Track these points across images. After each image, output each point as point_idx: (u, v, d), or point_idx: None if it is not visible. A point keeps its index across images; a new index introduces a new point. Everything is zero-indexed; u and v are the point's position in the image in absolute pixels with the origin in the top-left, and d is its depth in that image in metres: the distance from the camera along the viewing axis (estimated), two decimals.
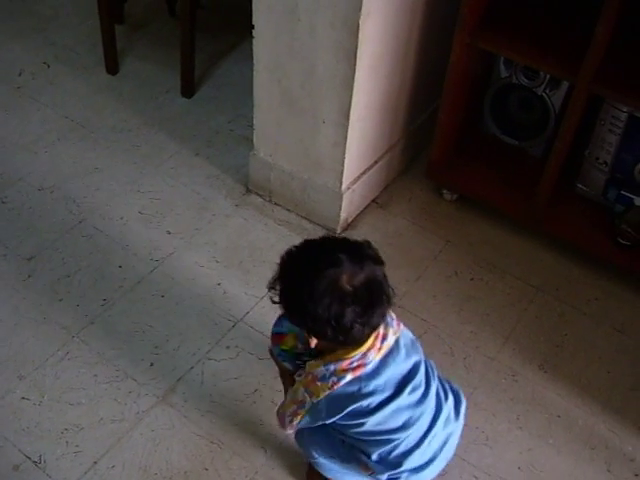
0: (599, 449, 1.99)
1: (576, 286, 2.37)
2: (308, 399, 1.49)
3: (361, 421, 1.50)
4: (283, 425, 1.61)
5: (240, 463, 1.89)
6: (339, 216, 2.39)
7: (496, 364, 2.14)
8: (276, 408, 1.66)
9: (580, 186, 2.47)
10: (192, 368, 2.06)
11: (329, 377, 1.45)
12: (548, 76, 2.33)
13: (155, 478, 1.85)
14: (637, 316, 2.31)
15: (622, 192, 2.38)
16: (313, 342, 1.49)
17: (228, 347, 2.11)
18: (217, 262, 2.33)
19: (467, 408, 1.71)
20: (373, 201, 2.55)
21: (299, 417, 1.54)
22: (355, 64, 2.01)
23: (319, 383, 1.46)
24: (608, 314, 2.30)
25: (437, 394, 1.60)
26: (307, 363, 1.52)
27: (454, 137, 2.51)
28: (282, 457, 1.91)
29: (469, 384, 2.06)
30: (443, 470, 1.69)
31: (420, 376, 1.54)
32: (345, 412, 1.47)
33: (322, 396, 1.47)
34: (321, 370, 1.47)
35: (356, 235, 2.43)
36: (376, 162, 2.45)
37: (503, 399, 2.07)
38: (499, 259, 2.41)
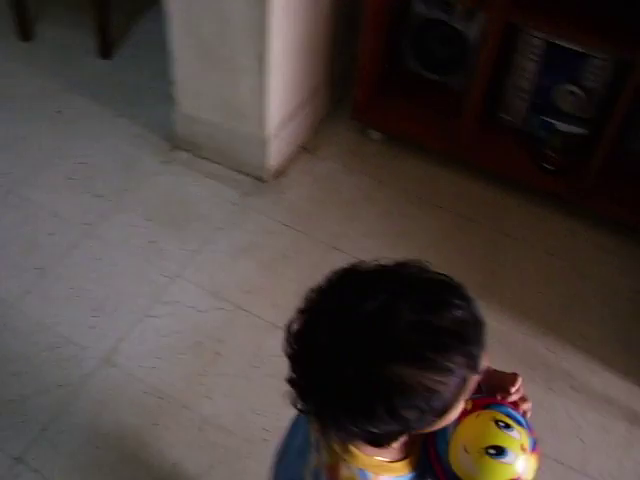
0: (539, 369, 2.06)
1: (506, 214, 2.42)
2: None
3: None
4: None
5: (188, 415, 1.91)
6: (267, 164, 2.39)
7: None
8: None
9: (503, 116, 2.51)
10: (133, 327, 2.06)
11: None
12: (463, 8, 2.35)
13: (106, 439, 1.86)
14: (566, 239, 2.38)
15: (544, 118, 2.42)
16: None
17: (167, 303, 2.12)
18: (149, 221, 2.31)
19: None
20: (301, 147, 2.55)
21: None
22: (267, 8, 2.00)
23: None
24: (539, 239, 2.36)
25: None
26: None
27: (376, 76, 2.52)
28: (228, 405, 1.93)
29: None
30: None
31: None
32: None
33: None
34: None
35: (287, 181, 2.44)
36: (300, 107, 2.45)
37: None
38: (429, 194, 2.45)
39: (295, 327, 0.89)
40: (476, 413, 0.97)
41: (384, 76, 2.57)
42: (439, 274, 0.89)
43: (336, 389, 0.83)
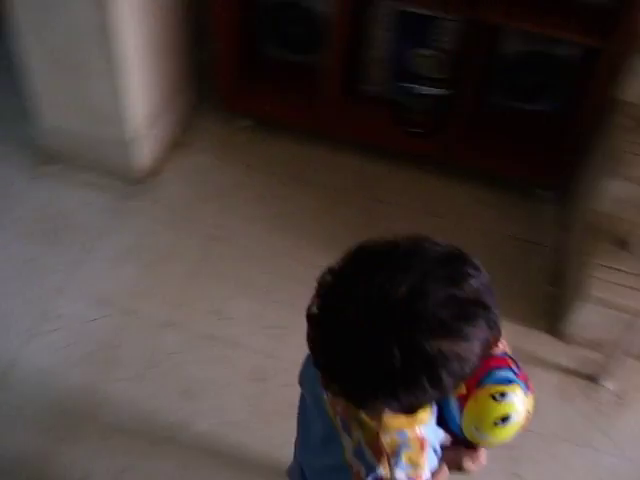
0: None
1: (378, 182, 2.49)
2: None
3: None
4: None
5: (90, 426, 1.90)
6: (138, 165, 2.38)
7: (319, 271, 2.21)
8: None
9: (366, 87, 2.57)
10: (22, 347, 2.03)
11: None
12: None
13: (11, 463, 1.84)
14: (443, 197, 2.45)
15: (404, 84, 2.48)
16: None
17: (54, 318, 2.09)
18: (26, 239, 2.27)
19: None
20: (174, 144, 2.55)
21: None
22: (111, 11, 1.99)
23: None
24: (416, 201, 2.43)
25: None
26: None
27: (237, 65, 2.53)
28: (129, 409, 1.93)
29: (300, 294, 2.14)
30: None
31: None
32: None
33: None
34: None
35: (162, 179, 2.44)
36: (165, 105, 2.44)
37: None
38: (303, 173, 2.49)
39: (317, 312, 0.92)
40: (474, 397, 1.06)
41: (246, 64, 2.58)
42: (450, 246, 0.94)
43: (381, 369, 0.86)
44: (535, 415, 1.12)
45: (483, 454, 1.17)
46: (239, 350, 2.04)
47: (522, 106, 2.56)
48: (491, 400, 1.06)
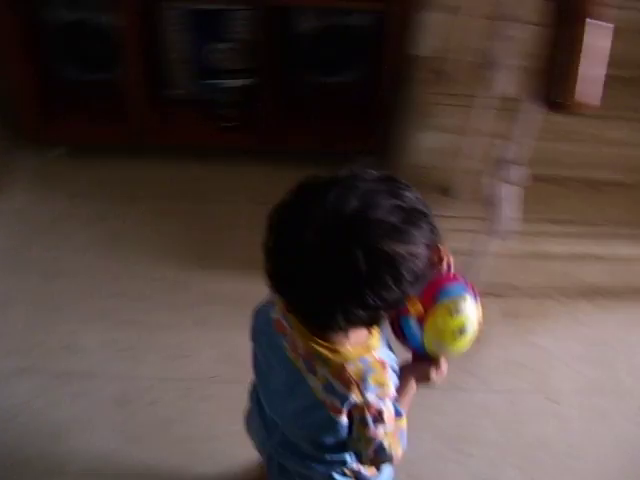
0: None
1: (209, 182, 2.48)
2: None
3: None
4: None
5: None
6: None
7: (160, 283, 2.20)
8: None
9: (173, 91, 2.55)
10: None
11: None
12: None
13: None
14: (269, 185, 2.44)
15: (210, 81, 2.49)
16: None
17: None
18: None
19: None
20: None
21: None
22: None
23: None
24: (244, 194, 2.44)
25: None
26: None
27: (35, 92, 2.43)
28: None
29: (147, 309, 2.12)
30: None
31: None
32: None
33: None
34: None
35: None
36: None
37: (178, 305, 2.15)
38: (128, 190, 2.45)
39: (275, 243, 1.00)
40: (432, 314, 1.14)
41: (46, 91, 2.49)
42: (381, 171, 1.03)
43: (348, 277, 0.95)
44: None
45: (445, 365, 1.24)
46: (97, 380, 1.98)
47: (329, 80, 2.61)
48: (448, 315, 1.15)
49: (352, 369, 1.10)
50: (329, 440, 1.20)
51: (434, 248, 1.02)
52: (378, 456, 1.20)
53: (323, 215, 0.95)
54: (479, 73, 1.95)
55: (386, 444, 1.18)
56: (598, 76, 1.45)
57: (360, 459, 1.24)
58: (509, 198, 1.73)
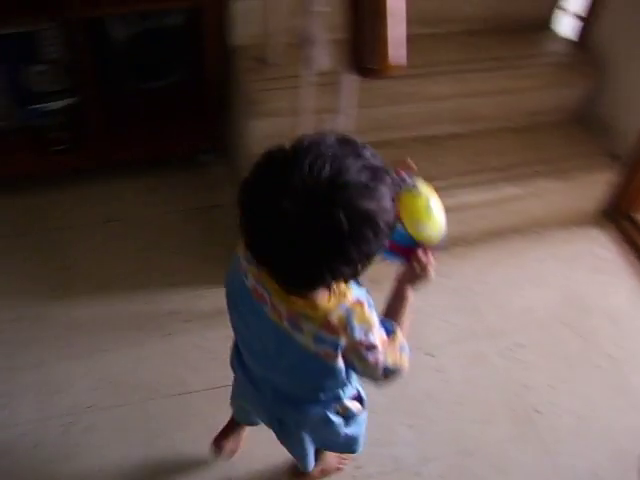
0: (152, 325, 2.12)
1: (51, 211, 2.40)
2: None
3: None
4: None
5: None
6: None
7: (18, 324, 2.10)
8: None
9: None
10: None
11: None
12: None
13: None
14: (113, 201, 2.42)
15: (31, 107, 2.39)
16: None
17: None
18: None
19: None
20: None
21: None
22: None
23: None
24: (97, 213, 2.38)
25: None
26: None
27: None
28: None
29: (8, 354, 2.03)
30: None
31: None
32: None
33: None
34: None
35: None
36: None
37: (41, 341, 2.06)
38: None
39: (253, 218, 1.05)
40: (401, 206, 1.18)
41: None
42: (337, 134, 1.07)
43: (333, 237, 1.01)
44: None
45: (430, 253, 1.31)
46: None
47: (157, 84, 2.57)
48: (411, 197, 1.25)
49: (335, 318, 1.17)
50: (329, 383, 1.31)
51: (395, 196, 1.10)
52: (389, 375, 1.30)
53: (300, 184, 0.99)
54: (297, 52, 1.96)
55: (390, 363, 1.28)
56: (402, 37, 1.48)
57: (376, 383, 1.34)
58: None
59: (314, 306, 1.16)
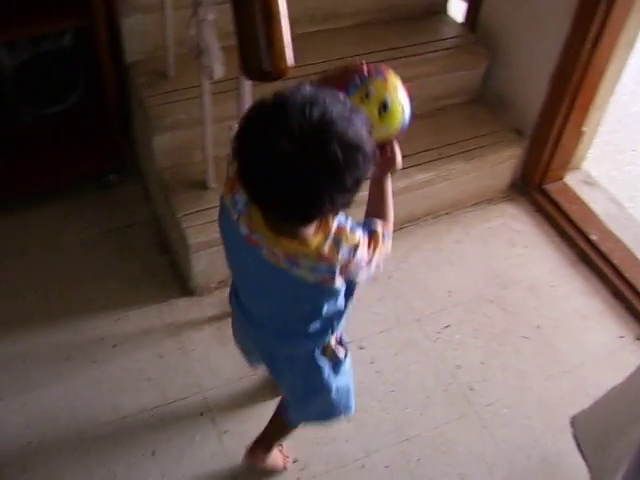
0: (75, 355, 2.07)
1: None
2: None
3: None
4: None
5: None
6: None
7: None
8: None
9: None
10: None
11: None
12: None
13: None
14: (31, 232, 2.35)
15: None
16: None
17: None
18: None
19: None
20: None
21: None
22: None
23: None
24: (6, 248, 2.31)
25: None
26: None
27: None
28: None
29: None
30: None
31: None
32: None
33: None
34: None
35: None
36: None
37: None
38: None
39: (250, 163, 1.16)
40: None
41: None
42: (308, 84, 1.19)
43: (331, 168, 1.12)
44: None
45: (396, 146, 1.42)
46: None
47: (57, 109, 2.52)
48: (360, 104, 1.31)
49: (326, 249, 1.28)
50: (330, 306, 1.43)
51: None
52: (379, 265, 1.41)
53: (295, 125, 1.11)
54: (193, 63, 1.95)
55: (380, 258, 1.39)
56: (289, 37, 1.49)
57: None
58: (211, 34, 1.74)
59: (306, 244, 1.27)
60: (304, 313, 1.45)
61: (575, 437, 1.78)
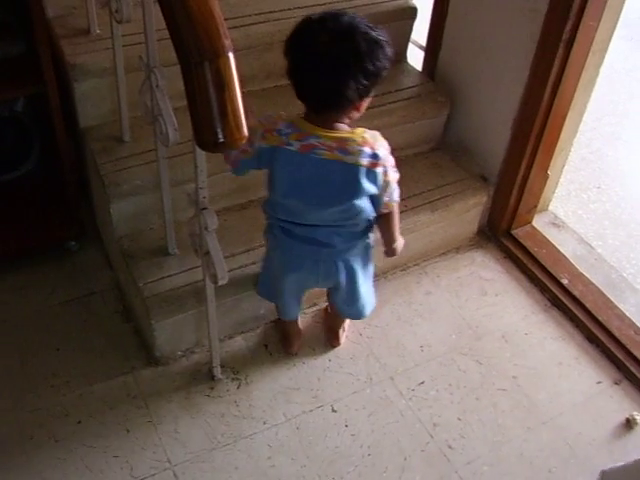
0: (35, 437, 1.98)
1: None
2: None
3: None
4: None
5: None
6: None
7: None
8: None
9: None
10: None
11: None
12: None
13: None
14: (8, 302, 2.29)
15: None
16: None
17: None
18: None
19: None
20: None
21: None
22: None
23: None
24: None
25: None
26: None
27: None
28: None
29: None
30: None
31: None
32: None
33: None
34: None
35: None
36: None
37: None
38: None
39: (299, 56, 1.61)
40: None
41: None
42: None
43: (358, 56, 1.56)
44: None
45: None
46: None
47: (11, 176, 2.46)
48: None
49: (368, 136, 1.69)
50: (371, 190, 1.72)
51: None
52: (389, 199, 1.80)
53: (331, 26, 1.57)
54: (147, 127, 1.91)
55: (394, 186, 1.79)
56: (241, 105, 1.44)
57: (379, 209, 1.81)
58: (213, 243, 1.70)
59: (352, 131, 1.68)
60: (356, 213, 1.77)
61: None
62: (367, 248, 1.95)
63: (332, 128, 1.66)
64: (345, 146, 1.66)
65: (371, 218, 1.85)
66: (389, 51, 1.59)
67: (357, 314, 2.11)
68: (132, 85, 2.01)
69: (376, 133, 1.72)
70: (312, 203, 1.76)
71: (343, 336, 2.25)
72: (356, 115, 1.69)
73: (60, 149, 2.22)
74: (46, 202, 2.41)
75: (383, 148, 1.71)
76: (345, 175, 1.68)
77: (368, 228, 1.90)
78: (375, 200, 1.78)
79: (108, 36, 2.02)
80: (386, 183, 1.75)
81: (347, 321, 2.25)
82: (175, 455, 1.96)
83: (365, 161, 1.67)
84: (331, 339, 2.25)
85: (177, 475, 1.92)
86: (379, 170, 1.70)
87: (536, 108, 2.30)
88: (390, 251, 1.98)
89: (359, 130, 1.68)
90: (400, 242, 1.97)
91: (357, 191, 1.71)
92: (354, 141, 1.66)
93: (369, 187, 1.71)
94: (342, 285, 1.96)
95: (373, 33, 1.56)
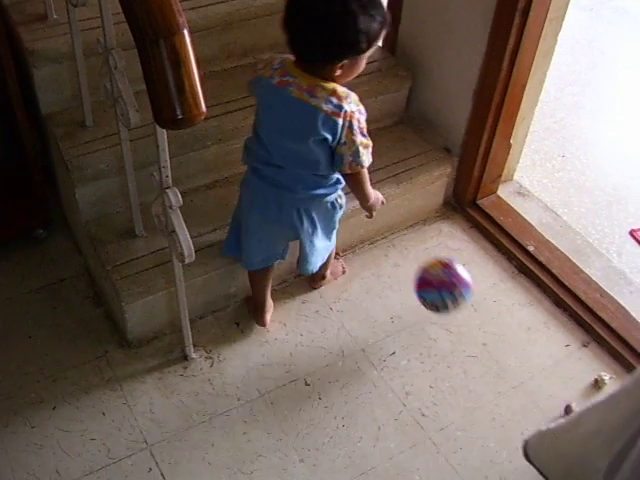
0: (11, 424, 1.99)
1: None
2: None
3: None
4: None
5: None
6: None
7: None
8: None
9: None
10: None
11: None
12: None
13: None
14: None
15: None
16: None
17: None
18: None
19: None
20: None
21: None
22: None
23: None
24: None
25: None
26: None
27: None
28: None
29: None
30: None
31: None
32: None
33: None
34: None
35: None
36: None
37: None
38: None
39: (296, 15, 1.70)
40: None
41: None
42: None
43: (350, 13, 1.64)
44: None
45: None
46: None
47: None
48: None
49: (340, 91, 1.75)
50: (326, 136, 1.76)
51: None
52: (354, 161, 1.81)
53: None
54: (110, 111, 1.91)
55: (361, 150, 1.80)
56: (199, 81, 1.45)
57: (342, 167, 1.84)
58: (178, 221, 1.71)
59: (326, 83, 1.74)
60: (314, 160, 1.83)
61: (531, 461, 1.77)
62: (333, 206, 1.99)
63: (312, 75, 1.74)
64: (314, 90, 1.73)
65: (337, 174, 1.92)
66: (383, 14, 1.69)
67: (307, 269, 2.12)
68: (92, 69, 2.01)
69: (353, 94, 1.78)
70: (277, 134, 1.84)
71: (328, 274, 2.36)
72: (339, 75, 1.74)
73: (22, 137, 2.21)
74: (11, 191, 2.39)
75: (353, 105, 1.76)
76: (304, 115, 1.75)
77: (335, 186, 1.95)
78: (337, 157, 1.82)
79: (66, 21, 2.01)
80: (349, 140, 1.78)
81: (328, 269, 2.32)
82: (151, 435, 1.98)
83: (326, 107, 1.73)
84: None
85: (154, 455, 1.94)
86: (339, 121, 1.74)
87: (495, 78, 2.32)
88: (365, 210, 2.06)
89: (336, 85, 1.75)
90: (373, 200, 2.02)
91: (310, 133, 1.76)
92: (324, 89, 1.73)
93: (323, 133, 1.75)
94: (301, 236, 2.00)
95: None
